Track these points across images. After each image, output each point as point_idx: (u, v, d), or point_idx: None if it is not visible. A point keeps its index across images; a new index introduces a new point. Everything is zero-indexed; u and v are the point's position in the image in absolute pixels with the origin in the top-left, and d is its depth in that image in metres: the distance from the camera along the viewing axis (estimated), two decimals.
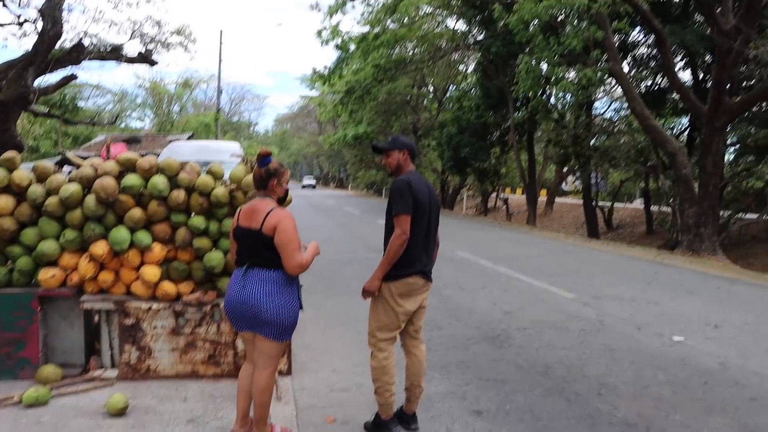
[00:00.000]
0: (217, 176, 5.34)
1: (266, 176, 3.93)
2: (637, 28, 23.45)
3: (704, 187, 17.73)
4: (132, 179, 5.11)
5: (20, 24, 19.64)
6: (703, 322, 7.72)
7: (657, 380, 5.48)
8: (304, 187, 76.50)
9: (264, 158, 3.93)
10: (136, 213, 5.11)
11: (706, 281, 11.06)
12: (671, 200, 22.05)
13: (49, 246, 5.06)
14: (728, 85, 18.06)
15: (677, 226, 20.45)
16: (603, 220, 29.82)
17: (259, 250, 3.80)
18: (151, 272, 5.09)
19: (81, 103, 37.36)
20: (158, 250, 5.15)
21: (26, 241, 5.12)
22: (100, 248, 5.02)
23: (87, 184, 5.07)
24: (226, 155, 9.97)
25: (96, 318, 5.35)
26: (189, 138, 19.86)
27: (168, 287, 5.15)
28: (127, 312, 5.11)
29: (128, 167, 5.24)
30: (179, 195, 5.14)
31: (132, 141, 18.90)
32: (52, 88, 19.44)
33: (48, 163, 5.29)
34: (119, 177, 5.18)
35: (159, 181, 5.11)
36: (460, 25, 31.04)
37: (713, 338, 6.95)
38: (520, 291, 9.50)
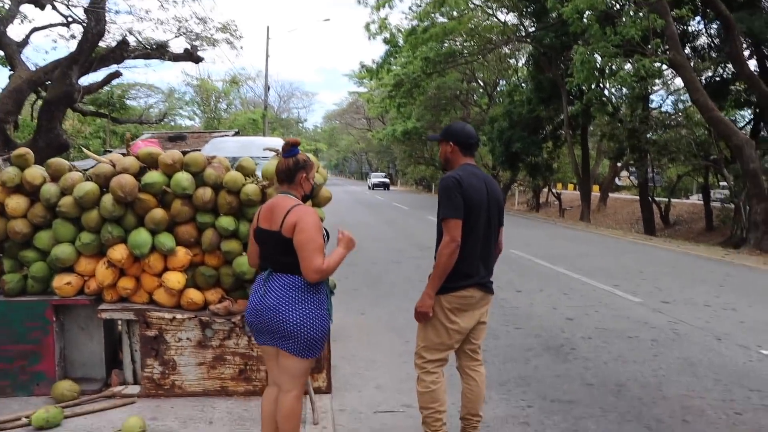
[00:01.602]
0: (247, 172, 4.80)
1: (294, 168, 3.42)
2: (697, 18, 22.37)
3: None
4: (153, 176, 4.60)
5: (68, 24, 19.61)
6: None
7: (751, 404, 4.74)
8: (374, 187, 60.41)
9: (292, 148, 3.46)
10: (158, 213, 4.60)
11: None
12: (735, 196, 20.89)
13: (63, 250, 4.59)
14: None
15: (742, 223, 19.41)
16: (659, 216, 28.64)
17: (279, 254, 3.32)
18: (175, 279, 4.59)
19: (129, 102, 37.56)
20: (182, 255, 4.63)
21: (40, 245, 4.66)
22: (118, 253, 4.53)
23: (104, 183, 4.57)
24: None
25: (119, 328, 4.89)
26: (235, 134, 19.46)
27: (194, 295, 4.64)
28: (149, 322, 4.62)
29: (149, 163, 4.73)
30: (205, 193, 4.61)
31: (177, 138, 18.50)
32: (96, 86, 19.33)
33: (63, 161, 4.81)
34: (140, 174, 4.68)
35: (183, 177, 4.59)
36: (511, 18, 30.23)
37: None
38: (581, 294, 8.78)
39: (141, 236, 4.54)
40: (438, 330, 3.60)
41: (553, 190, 36.91)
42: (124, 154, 4.96)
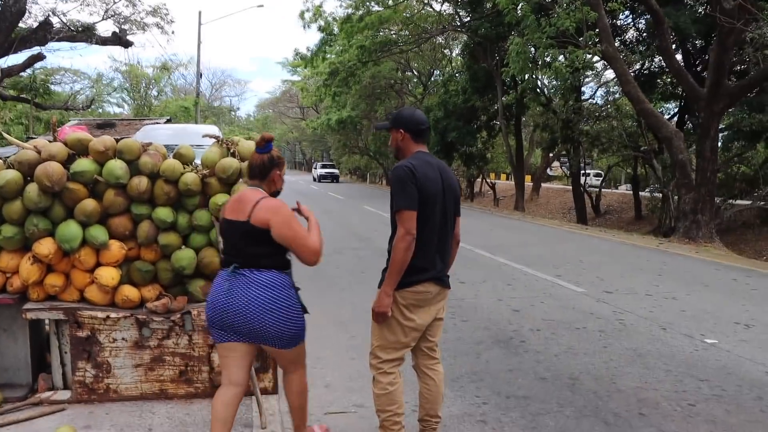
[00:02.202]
0: (186, 160, 4.49)
1: (269, 164, 3.39)
2: (626, 12, 22.82)
3: (701, 172, 17.10)
4: (83, 164, 4.23)
5: None
6: (731, 320, 6.98)
7: (702, 394, 4.72)
8: (321, 179, 54.44)
9: (267, 144, 3.42)
10: (89, 204, 4.23)
11: (718, 272, 10.34)
12: (664, 186, 21.42)
13: None
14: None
15: (670, 212, 19.92)
16: (591, 205, 29.24)
17: (247, 245, 3.23)
18: (109, 275, 4.24)
19: (54, 87, 36.08)
20: (116, 249, 4.29)
21: None
22: (45, 247, 4.15)
23: (29, 171, 4.17)
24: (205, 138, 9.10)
25: (46, 329, 4.52)
26: (166, 122, 18.81)
27: (129, 292, 4.30)
28: (81, 322, 4.26)
29: (79, 150, 4.37)
30: (141, 182, 4.27)
31: (106, 126, 17.89)
32: (17, 69, 18.43)
33: None
34: (68, 162, 4.31)
35: (116, 166, 4.24)
36: (446, 8, 30.26)
37: (748, 340, 6.20)
38: (525, 284, 8.74)
39: (70, 229, 4.17)
40: (393, 328, 3.39)
41: (488, 180, 37.26)
42: (50, 140, 4.57)
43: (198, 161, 4.57)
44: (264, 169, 3.37)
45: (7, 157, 4.35)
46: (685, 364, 5.42)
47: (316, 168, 59.96)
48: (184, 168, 4.41)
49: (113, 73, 59.32)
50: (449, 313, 6.96)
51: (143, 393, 4.36)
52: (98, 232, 4.23)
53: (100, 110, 43.02)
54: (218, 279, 3.30)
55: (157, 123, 18.07)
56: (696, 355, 5.68)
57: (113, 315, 4.27)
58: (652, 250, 13.11)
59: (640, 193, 26.69)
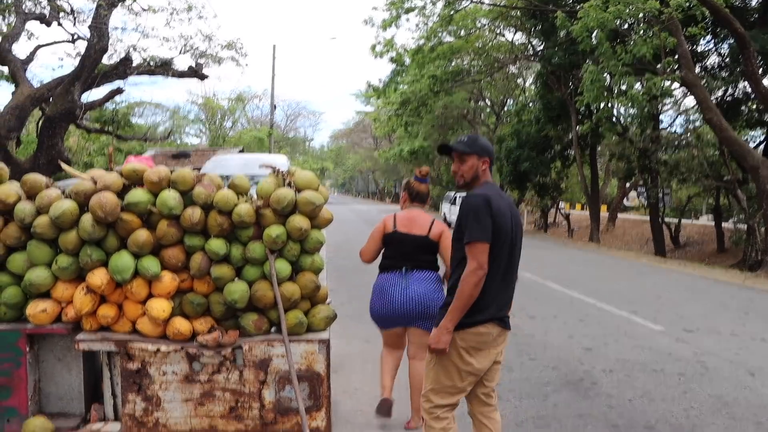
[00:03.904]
0: (240, 190, 4.39)
1: (427, 192, 4.64)
2: (707, 38, 22.04)
3: None
4: (137, 195, 4.18)
5: (73, 41, 19.37)
6: None
7: None
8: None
9: (426, 176, 4.63)
10: (142, 235, 4.17)
11: None
12: (749, 217, 20.41)
13: (39, 275, 4.16)
14: None
15: (756, 245, 18.93)
16: (670, 237, 28.14)
17: (421, 253, 4.46)
18: (160, 307, 4.15)
19: (135, 120, 37.45)
20: (169, 280, 4.20)
21: (13, 269, 4.23)
22: (98, 278, 4.10)
23: (84, 201, 4.15)
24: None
25: (101, 358, 4.47)
26: (239, 152, 19.21)
27: (180, 325, 4.20)
28: (131, 354, 4.19)
29: (134, 180, 4.33)
30: (194, 213, 4.18)
31: (180, 156, 18.20)
32: (98, 102, 19.07)
33: (39, 176, 4.41)
34: (123, 192, 4.28)
35: (170, 196, 4.17)
36: (519, 37, 29.99)
37: None
38: (598, 321, 8.33)
39: (123, 260, 4.11)
40: (449, 371, 3.17)
41: (562, 210, 36.45)
42: (108, 170, 4.56)
43: (253, 191, 4.48)
44: (424, 196, 4.62)
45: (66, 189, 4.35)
46: None
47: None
48: (238, 198, 4.32)
49: (190, 105, 61.35)
50: (516, 350, 6.66)
51: (192, 428, 4.23)
52: (150, 263, 4.16)
53: (179, 141, 44.32)
54: (388, 280, 4.49)
55: (230, 153, 18.41)
56: None
57: (164, 348, 4.18)
58: (737, 286, 12.40)
59: (723, 224, 25.54)
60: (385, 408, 4.62)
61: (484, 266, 3.04)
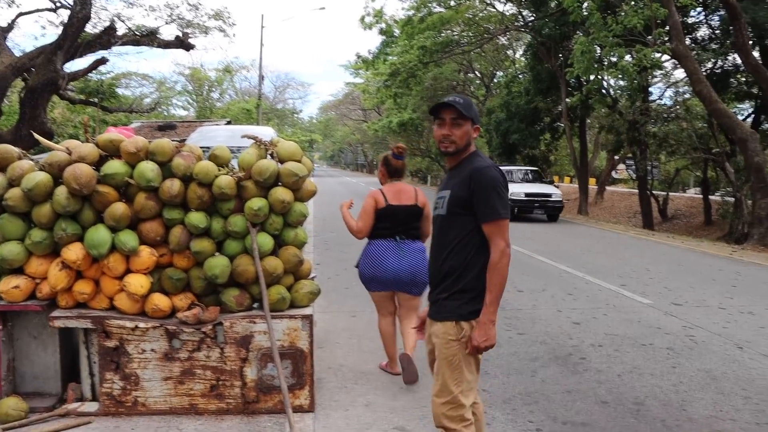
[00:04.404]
0: (221, 162, 4.24)
1: (403, 168, 4.93)
2: (698, 9, 21.84)
3: None
4: (114, 166, 4.03)
5: (55, 9, 18.97)
6: None
7: None
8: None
9: (403, 153, 4.87)
10: (119, 208, 4.03)
11: None
12: (737, 190, 20.40)
13: (11, 250, 4.02)
14: None
15: (744, 217, 18.93)
16: (658, 209, 28.14)
17: (414, 222, 4.82)
18: (138, 282, 4.03)
19: (121, 91, 36.95)
20: (147, 255, 4.07)
21: None
22: (73, 253, 3.96)
23: (59, 173, 3.99)
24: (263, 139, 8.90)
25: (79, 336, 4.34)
26: (227, 124, 18.94)
27: (159, 301, 4.08)
28: (109, 332, 4.06)
29: (111, 151, 4.18)
30: (173, 185, 4.05)
31: (166, 127, 18.04)
32: (82, 72, 18.76)
33: (11, 147, 4.24)
34: (100, 164, 4.12)
35: (147, 168, 4.02)
36: (509, 8, 29.66)
37: None
38: (587, 295, 8.26)
39: (99, 234, 3.98)
40: (471, 365, 2.92)
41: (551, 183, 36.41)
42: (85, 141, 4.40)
43: (235, 162, 4.33)
44: (401, 171, 4.91)
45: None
46: (766, 390, 4.89)
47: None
48: (219, 170, 4.17)
49: (177, 76, 60.56)
50: (505, 323, 6.59)
51: (172, 407, 4.13)
52: (128, 238, 4.03)
53: (166, 113, 43.81)
54: (383, 245, 4.75)
55: (217, 125, 18.18)
56: None
57: (142, 325, 4.06)
58: (725, 258, 12.38)
59: (710, 197, 25.56)
60: (410, 372, 4.70)
61: (510, 243, 2.87)
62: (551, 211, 20.82)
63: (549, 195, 20.70)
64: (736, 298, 8.27)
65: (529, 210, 20.51)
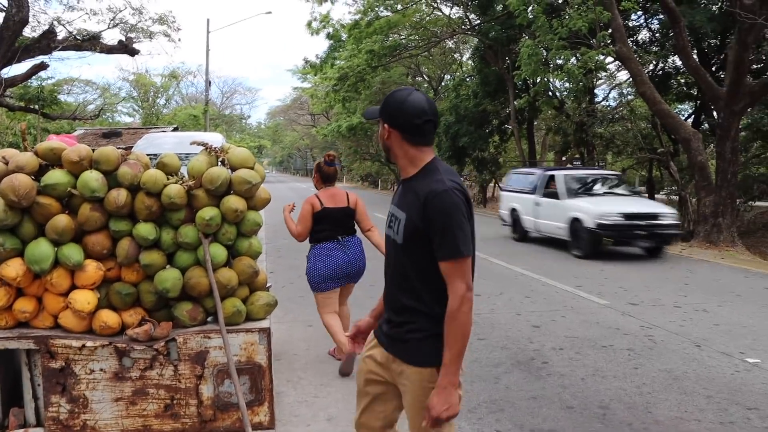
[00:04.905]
0: (170, 170, 4.04)
1: (335, 174, 5.33)
2: (639, 13, 22.31)
3: (722, 174, 16.55)
4: (55, 176, 3.79)
5: None
6: None
7: (753, 427, 4.21)
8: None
9: (334, 160, 5.28)
10: (62, 220, 3.79)
11: (748, 280, 9.81)
12: (682, 189, 20.85)
13: None
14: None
15: (689, 215, 19.36)
16: None
17: (349, 221, 5.31)
18: (84, 298, 3.79)
19: (63, 98, 35.99)
20: (93, 270, 3.84)
21: None
22: (13, 269, 3.71)
23: None
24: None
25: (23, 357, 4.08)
26: (174, 130, 18.53)
27: (107, 317, 3.85)
28: (54, 352, 3.82)
29: (51, 160, 3.93)
30: (119, 195, 3.82)
31: (111, 135, 17.49)
32: (20, 78, 18.17)
33: None
34: (40, 173, 3.88)
35: (92, 177, 3.78)
36: (456, 11, 29.86)
37: None
38: (544, 297, 8.26)
39: (41, 248, 3.73)
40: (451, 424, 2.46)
41: (500, 185, 36.72)
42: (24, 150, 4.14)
43: (184, 170, 4.13)
44: (333, 177, 5.32)
45: None
46: (727, 388, 4.91)
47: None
48: (168, 179, 3.97)
49: (121, 82, 59.37)
50: None
51: (124, 430, 3.91)
52: (72, 252, 3.78)
53: (110, 120, 42.86)
54: (328, 246, 5.18)
55: (164, 131, 17.76)
56: (738, 377, 5.17)
57: (89, 344, 3.82)
58: (675, 256, 12.59)
59: (656, 196, 26.13)
60: (348, 364, 5.18)
61: (472, 285, 2.40)
62: (661, 240, 12.73)
63: (656, 216, 12.86)
64: (690, 295, 8.37)
65: (627, 239, 12.78)
